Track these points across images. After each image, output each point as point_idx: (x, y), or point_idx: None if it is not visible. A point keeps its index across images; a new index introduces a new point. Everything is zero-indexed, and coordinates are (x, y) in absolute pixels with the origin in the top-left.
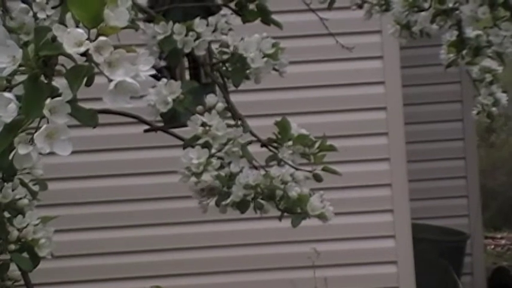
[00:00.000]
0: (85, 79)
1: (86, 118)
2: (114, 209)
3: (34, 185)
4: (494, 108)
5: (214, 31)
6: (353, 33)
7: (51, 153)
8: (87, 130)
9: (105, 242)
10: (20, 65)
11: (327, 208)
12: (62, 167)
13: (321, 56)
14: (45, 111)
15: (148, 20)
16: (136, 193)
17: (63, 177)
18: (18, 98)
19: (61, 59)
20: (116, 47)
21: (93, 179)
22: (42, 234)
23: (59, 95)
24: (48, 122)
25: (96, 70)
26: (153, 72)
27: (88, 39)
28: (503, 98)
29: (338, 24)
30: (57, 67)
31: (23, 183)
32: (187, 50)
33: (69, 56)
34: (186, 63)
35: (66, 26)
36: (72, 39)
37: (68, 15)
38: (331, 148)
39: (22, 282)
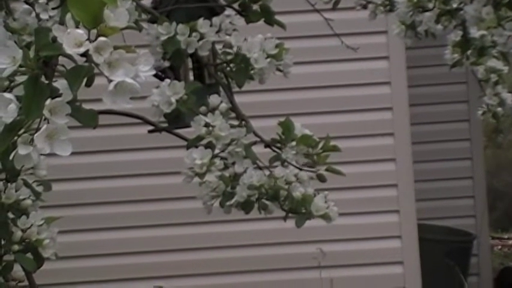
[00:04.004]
0: (85, 79)
1: (86, 119)
2: (119, 209)
3: (38, 185)
4: (499, 109)
5: (218, 31)
6: (359, 33)
7: (56, 154)
8: (91, 131)
9: (109, 242)
10: (20, 66)
11: (331, 208)
12: (67, 168)
13: (327, 57)
14: (45, 112)
15: (152, 20)
16: (140, 194)
17: (67, 178)
18: (18, 98)
19: (62, 59)
20: (116, 48)
21: (97, 179)
22: (46, 234)
23: (59, 96)
24: (48, 123)
25: (96, 71)
26: (153, 72)
27: (88, 39)
28: (508, 98)
29: (344, 25)
30: (58, 68)
31: (27, 184)
32: (190, 51)
33: (69, 57)
34: (190, 64)
35: (66, 26)
36: (72, 39)
37: (68, 16)
38: (335, 148)
39: (26, 282)
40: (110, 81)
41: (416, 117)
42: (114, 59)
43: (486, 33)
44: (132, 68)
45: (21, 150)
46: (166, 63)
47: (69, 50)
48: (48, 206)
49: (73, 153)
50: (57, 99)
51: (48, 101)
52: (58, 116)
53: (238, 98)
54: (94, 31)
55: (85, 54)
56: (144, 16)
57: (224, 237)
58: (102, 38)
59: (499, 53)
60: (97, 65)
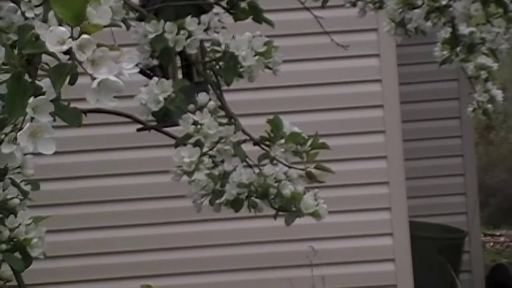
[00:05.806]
0: (68, 77)
1: (70, 117)
2: (107, 209)
3: (26, 184)
4: (489, 105)
5: (207, 29)
6: (350, 31)
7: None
8: (79, 130)
9: (98, 242)
10: (3, 64)
11: (321, 206)
12: (55, 167)
13: (317, 55)
14: (29, 110)
15: (140, 18)
16: (129, 193)
17: (56, 178)
18: (1, 96)
19: (45, 57)
20: (99, 45)
21: (85, 179)
22: (34, 234)
23: (43, 94)
24: (32, 121)
25: (80, 69)
26: (138, 70)
27: (71, 37)
28: (498, 95)
29: (334, 23)
30: (42, 66)
31: (14, 183)
32: (178, 49)
33: (52, 55)
34: (179, 62)
35: (49, 24)
36: (55, 37)
37: (51, 14)
38: (324, 146)
39: (14, 282)
40: (94, 79)
41: (407, 115)
42: (97, 57)
43: (475, 30)
44: (116, 65)
45: (5, 149)
46: (155, 62)
47: (52, 48)
48: (37, 205)
49: (62, 152)
50: (41, 97)
51: (31, 99)
52: (41, 114)
53: (227, 96)
54: (77, 29)
55: (68, 52)
56: (131, 14)
57: (214, 236)
58: (85, 36)
59: (489, 50)
60: (80, 62)
